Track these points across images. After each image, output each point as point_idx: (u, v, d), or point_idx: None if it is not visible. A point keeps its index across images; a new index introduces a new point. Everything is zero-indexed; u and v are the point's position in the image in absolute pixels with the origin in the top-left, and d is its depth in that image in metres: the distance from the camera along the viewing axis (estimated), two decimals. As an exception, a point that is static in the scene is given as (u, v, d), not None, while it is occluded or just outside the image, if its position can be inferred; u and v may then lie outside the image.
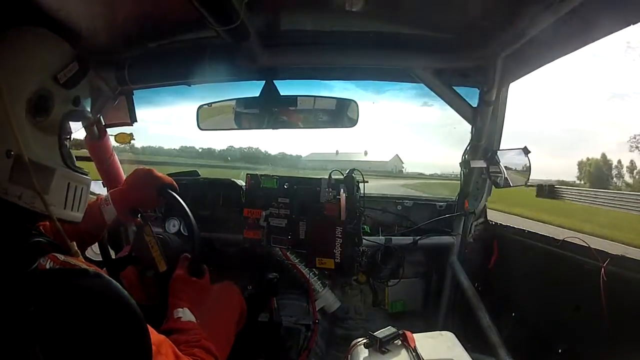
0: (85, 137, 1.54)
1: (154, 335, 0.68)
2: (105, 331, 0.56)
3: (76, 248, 0.70)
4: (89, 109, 0.82)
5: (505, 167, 1.58)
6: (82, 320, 0.54)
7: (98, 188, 1.62)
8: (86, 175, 0.78)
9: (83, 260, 0.64)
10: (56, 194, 0.71)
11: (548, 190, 27.57)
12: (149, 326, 0.65)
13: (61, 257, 0.60)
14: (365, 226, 1.71)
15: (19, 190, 0.65)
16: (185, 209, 1.20)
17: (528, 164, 1.61)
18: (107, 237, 1.41)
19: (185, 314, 0.92)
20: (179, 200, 1.22)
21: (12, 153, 0.64)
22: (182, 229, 1.53)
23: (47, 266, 0.58)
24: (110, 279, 0.60)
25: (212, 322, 1.07)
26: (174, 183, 1.25)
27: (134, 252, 1.27)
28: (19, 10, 0.78)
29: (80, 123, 0.86)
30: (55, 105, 0.71)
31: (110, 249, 1.49)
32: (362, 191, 1.47)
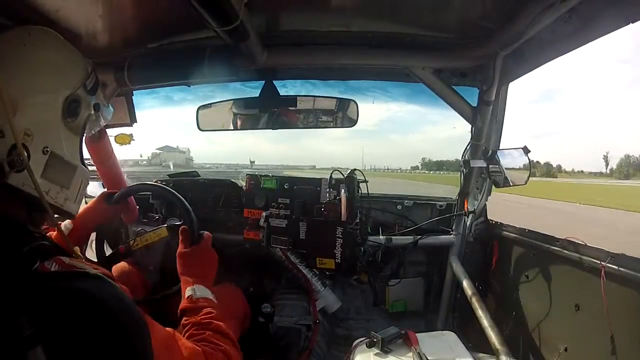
0: (85, 137, 1.54)
1: (162, 331, 0.67)
2: (102, 335, 0.55)
3: (76, 248, 0.70)
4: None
5: (505, 166, 1.58)
6: (79, 324, 0.53)
7: (98, 188, 1.61)
8: (87, 168, 0.84)
9: (87, 262, 0.64)
10: (73, 190, 0.78)
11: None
12: (155, 322, 0.66)
13: (67, 260, 0.60)
14: (365, 226, 1.71)
15: (47, 186, 0.70)
16: (149, 185, 1.38)
17: (528, 163, 1.61)
18: (103, 236, 1.42)
19: (195, 291, 0.92)
20: (132, 189, 1.37)
21: (48, 150, 0.69)
22: None
23: (52, 269, 0.57)
24: (111, 282, 0.60)
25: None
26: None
27: (151, 267, 1.34)
28: (18, 10, 0.78)
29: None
30: (82, 108, 0.78)
31: (109, 247, 1.49)
32: (362, 191, 1.47)
